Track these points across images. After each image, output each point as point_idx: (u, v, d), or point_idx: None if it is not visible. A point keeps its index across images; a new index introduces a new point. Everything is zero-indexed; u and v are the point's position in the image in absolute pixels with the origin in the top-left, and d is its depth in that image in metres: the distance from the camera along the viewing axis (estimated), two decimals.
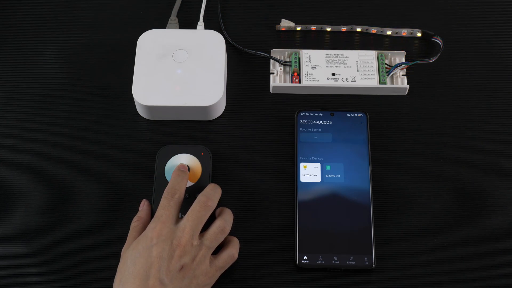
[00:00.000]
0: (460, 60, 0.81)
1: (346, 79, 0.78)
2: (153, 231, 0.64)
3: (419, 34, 0.82)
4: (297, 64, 0.79)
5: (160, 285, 0.62)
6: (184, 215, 0.66)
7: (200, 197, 0.67)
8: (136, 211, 0.70)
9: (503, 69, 0.80)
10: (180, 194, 0.67)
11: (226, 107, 0.78)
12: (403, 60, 0.80)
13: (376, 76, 0.78)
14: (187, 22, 0.83)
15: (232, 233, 0.69)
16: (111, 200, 0.73)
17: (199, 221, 0.66)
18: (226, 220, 0.67)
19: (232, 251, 0.68)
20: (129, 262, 0.63)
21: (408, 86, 0.78)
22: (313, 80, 0.78)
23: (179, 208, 0.67)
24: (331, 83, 0.78)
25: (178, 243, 0.64)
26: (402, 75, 0.79)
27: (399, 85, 0.78)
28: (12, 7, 0.85)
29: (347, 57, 0.79)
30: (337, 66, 0.79)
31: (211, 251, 0.66)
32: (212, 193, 0.68)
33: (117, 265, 0.65)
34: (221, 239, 0.67)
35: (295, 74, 0.79)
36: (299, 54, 0.80)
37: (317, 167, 0.73)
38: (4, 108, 0.78)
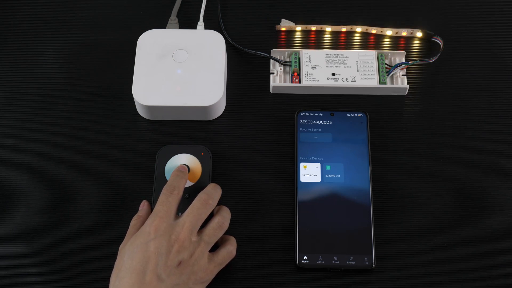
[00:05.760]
0: (460, 60, 0.81)
1: (346, 79, 0.78)
2: (150, 226, 0.64)
3: (419, 34, 0.82)
4: (297, 64, 0.79)
5: (157, 281, 0.62)
6: (183, 213, 0.66)
7: (201, 195, 0.67)
8: (136, 211, 0.70)
9: (503, 69, 0.80)
10: (179, 191, 0.67)
11: (226, 107, 0.78)
12: (403, 60, 0.80)
13: (376, 76, 0.78)
14: (187, 22, 0.83)
15: (232, 233, 0.69)
16: (111, 200, 0.73)
17: (199, 218, 0.66)
18: (224, 216, 0.68)
19: (230, 248, 0.68)
20: (126, 257, 0.63)
21: (408, 86, 0.78)
22: (313, 80, 0.78)
23: (177, 205, 0.67)
24: (331, 83, 0.78)
25: (176, 238, 0.64)
26: (402, 75, 0.79)
27: (399, 85, 0.78)
28: (12, 7, 0.85)
29: (347, 57, 0.79)
30: (337, 66, 0.79)
31: (210, 247, 0.66)
32: (213, 192, 0.68)
33: None
34: (219, 235, 0.67)
35: (295, 74, 0.79)
36: (299, 54, 0.80)
37: (317, 167, 0.73)
38: (4, 108, 0.78)
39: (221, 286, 0.69)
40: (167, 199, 0.66)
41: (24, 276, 0.70)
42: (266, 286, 0.69)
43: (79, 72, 0.80)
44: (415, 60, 0.80)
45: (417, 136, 0.76)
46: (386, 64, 0.79)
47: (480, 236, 0.71)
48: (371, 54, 0.80)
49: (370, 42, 0.82)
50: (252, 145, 0.76)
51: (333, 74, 0.79)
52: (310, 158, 0.74)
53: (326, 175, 0.73)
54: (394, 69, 0.78)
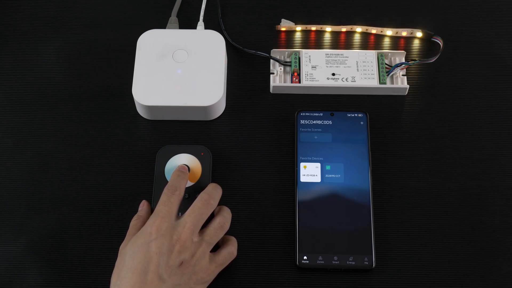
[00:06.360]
0: (460, 60, 0.81)
1: (346, 79, 0.78)
2: (152, 226, 0.64)
3: (419, 34, 0.82)
4: (297, 64, 0.79)
5: (159, 281, 0.62)
6: (184, 213, 0.66)
7: (202, 195, 0.67)
8: (136, 211, 0.70)
9: (503, 69, 0.80)
10: (180, 191, 0.67)
11: (226, 107, 0.78)
12: (403, 60, 0.80)
13: (376, 76, 0.78)
14: (187, 22, 0.83)
15: (232, 233, 0.69)
16: (111, 200, 0.73)
17: (200, 218, 0.66)
18: (225, 217, 0.68)
19: (231, 249, 0.68)
20: (127, 257, 0.63)
21: (408, 86, 0.78)
22: (313, 80, 0.78)
23: (178, 205, 0.67)
24: (331, 83, 0.78)
25: (178, 238, 0.64)
26: (402, 75, 0.79)
27: (399, 85, 0.78)
28: (12, 7, 0.85)
29: (347, 57, 0.79)
30: (337, 66, 0.79)
31: (211, 248, 0.66)
32: (214, 192, 0.68)
33: None
34: (220, 235, 0.67)
35: (295, 74, 0.79)
36: (299, 54, 0.80)
37: (317, 167, 0.73)
38: (4, 108, 0.78)
39: (222, 286, 0.69)
40: (169, 200, 0.66)
41: (24, 276, 0.70)
42: (266, 286, 0.69)
43: (79, 72, 0.80)
44: (415, 60, 0.80)
45: (417, 136, 0.76)
46: (386, 64, 0.79)
47: (480, 236, 0.71)
48: (371, 54, 0.80)
49: (370, 42, 0.82)
50: (252, 145, 0.76)
51: (333, 74, 0.79)
52: (310, 158, 0.74)
53: (326, 175, 0.73)
54: (394, 69, 0.78)
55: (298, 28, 0.82)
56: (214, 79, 0.76)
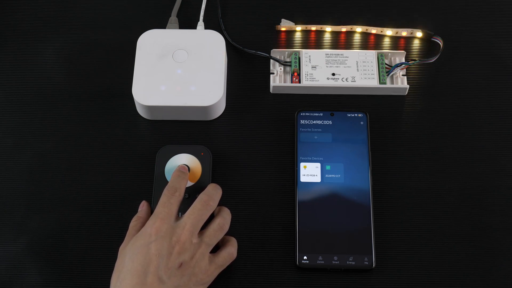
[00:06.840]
0: (460, 60, 0.81)
1: (346, 79, 0.78)
2: (152, 227, 0.64)
3: (419, 34, 0.82)
4: (297, 64, 0.79)
5: (158, 283, 0.62)
6: (183, 215, 0.66)
7: (202, 196, 0.67)
8: (136, 211, 0.70)
9: (503, 69, 0.80)
10: (180, 192, 0.67)
11: (226, 107, 0.78)
12: (403, 60, 0.80)
13: (376, 76, 0.78)
14: (187, 22, 0.83)
15: (232, 233, 0.69)
16: (111, 200, 0.73)
17: (200, 219, 0.66)
18: (224, 218, 0.68)
19: (231, 250, 0.68)
20: (127, 259, 0.63)
21: (408, 86, 0.78)
22: (313, 80, 0.78)
23: (178, 206, 0.67)
24: (331, 83, 0.78)
25: (177, 240, 0.64)
26: (402, 75, 0.79)
27: (399, 85, 0.78)
28: (12, 7, 0.85)
29: (347, 57, 0.79)
30: (337, 66, 0.79)
31: (210, 249, 0.66)
32: (213, 193, 0.68)
33: None
34: (220, 236, 0.67)
35: (295, 74, 0.79)
36: (299, 54, 0.80)
37: (317, 167, 0.73)
38: (4, 108, 0.78)
39: (222, 286, 0.69)
40: (169, 201, 0.66)
41: (24, 276, 0.70)
42: (266, 286, 0.69)
43: (79, 72, 0.80)
44: (415, 60, 0.80)
45: (417, 136, 0.76)
46: (386, 64, 0.79)
47: (480, 236, 0.71)
48: (371, 54, 0.80)
49: (370, 42, 0.82)
50: (252, 145, 0.76)
51: (333, 74, 0.79)
52: (310, 158, 0.74)
53: (326, 175, 0.73)
54: (394, 69, 0.78)
55: (298, 28, 0.82)
56: (214, 79, 0.76)
